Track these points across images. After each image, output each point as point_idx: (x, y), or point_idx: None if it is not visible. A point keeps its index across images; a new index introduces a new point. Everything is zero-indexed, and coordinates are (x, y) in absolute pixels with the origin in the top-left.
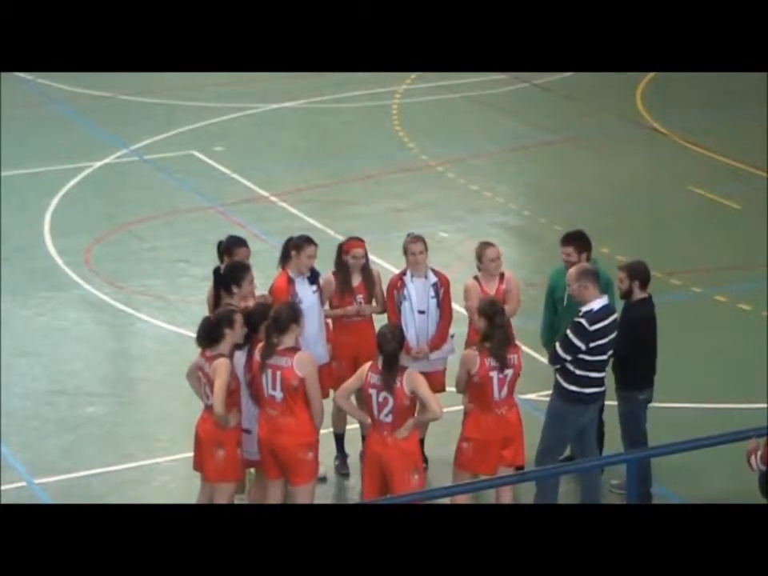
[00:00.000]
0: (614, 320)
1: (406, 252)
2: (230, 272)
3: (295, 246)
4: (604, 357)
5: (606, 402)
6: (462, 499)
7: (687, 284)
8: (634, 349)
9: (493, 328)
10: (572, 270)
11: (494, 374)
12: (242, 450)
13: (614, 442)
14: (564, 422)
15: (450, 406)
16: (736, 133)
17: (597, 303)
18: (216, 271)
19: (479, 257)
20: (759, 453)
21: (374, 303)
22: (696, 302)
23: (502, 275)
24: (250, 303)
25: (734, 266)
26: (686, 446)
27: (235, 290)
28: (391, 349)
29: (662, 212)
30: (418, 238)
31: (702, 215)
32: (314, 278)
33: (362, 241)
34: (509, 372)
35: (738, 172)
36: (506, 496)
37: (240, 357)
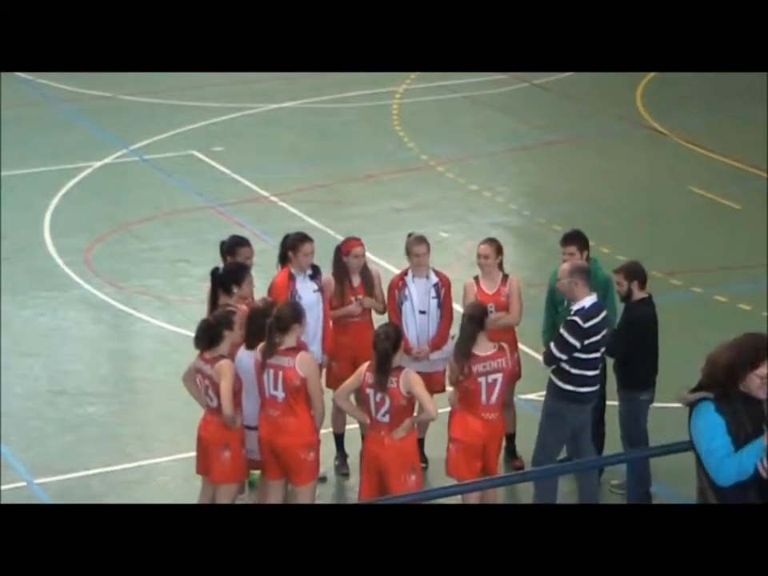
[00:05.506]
0: (605, 317)
1: (408, 253)
2: (229, 273)
3: (291, 247)
4: (598, 354)
5: (607, 402)
6: (474, 498)
7: (687, 284)
8: (636, 349)
9: (466, 327)
10: (565, 266)
11: (482, 380)
12: (246, 449)
13: (614, 441)
14: (560, 422)
15: (450, 406)
16: (736, 133)
17: (587, 301)
18: (214, 272)
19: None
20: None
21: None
22: (696, 301)
23: (505, 278)
24: (245, 307)
25: (734, 266)
26: (686, 445)
27: (235, 289)
28: (382, 348)
29: (662, 212)
30: (422, 240)
31: (702, 215)
32: (315, 275)
33: (360, 240)
34: (497, 377)
35: (738, 172)
36: (491, 495)
37: (244, 359)
